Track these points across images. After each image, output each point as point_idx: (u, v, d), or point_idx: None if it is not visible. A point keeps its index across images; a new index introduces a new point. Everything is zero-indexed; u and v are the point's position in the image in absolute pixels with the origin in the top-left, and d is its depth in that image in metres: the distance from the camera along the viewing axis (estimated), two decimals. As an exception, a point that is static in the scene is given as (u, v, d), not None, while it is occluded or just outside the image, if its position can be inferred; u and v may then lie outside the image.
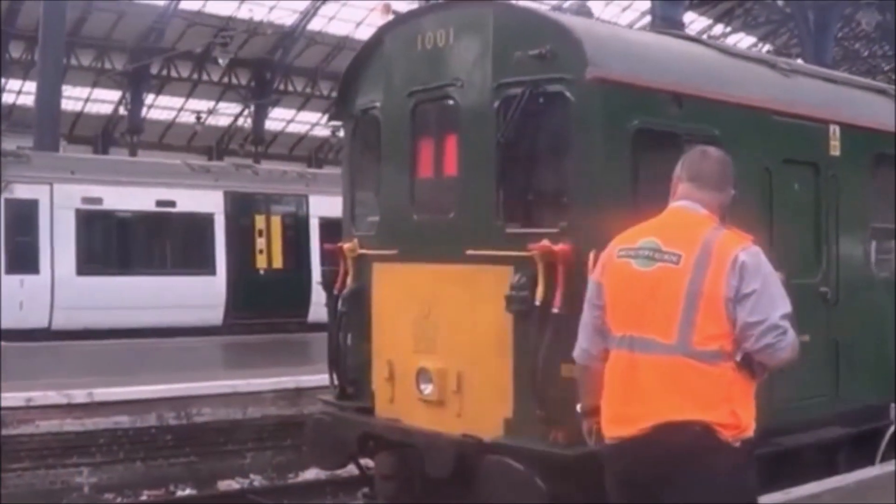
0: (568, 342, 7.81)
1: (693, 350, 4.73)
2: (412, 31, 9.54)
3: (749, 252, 4.85)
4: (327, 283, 10.31)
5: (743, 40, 53.88)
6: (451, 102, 9.12)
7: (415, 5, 21.25)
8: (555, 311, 7.90)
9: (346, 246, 10.03)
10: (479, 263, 8.60)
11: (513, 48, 8.52)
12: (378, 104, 9.90)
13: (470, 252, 8.64)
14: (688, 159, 5.30)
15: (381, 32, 10.08)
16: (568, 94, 8.17)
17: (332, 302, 10.20)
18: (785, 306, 4.81)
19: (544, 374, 7.92)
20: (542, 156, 8.86)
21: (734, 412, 4.74)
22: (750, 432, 4.81)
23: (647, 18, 45.12)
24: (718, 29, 55.31)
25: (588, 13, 9.42)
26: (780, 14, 50.88)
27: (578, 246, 7.91)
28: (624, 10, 53.28)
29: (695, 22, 51.57)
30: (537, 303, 7.99)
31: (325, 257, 25.32)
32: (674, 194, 5.28)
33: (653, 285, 4.90)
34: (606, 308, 5.14)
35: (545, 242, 7.98)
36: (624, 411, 4.89)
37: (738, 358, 4.78)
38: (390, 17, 9.88)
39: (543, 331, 7.93)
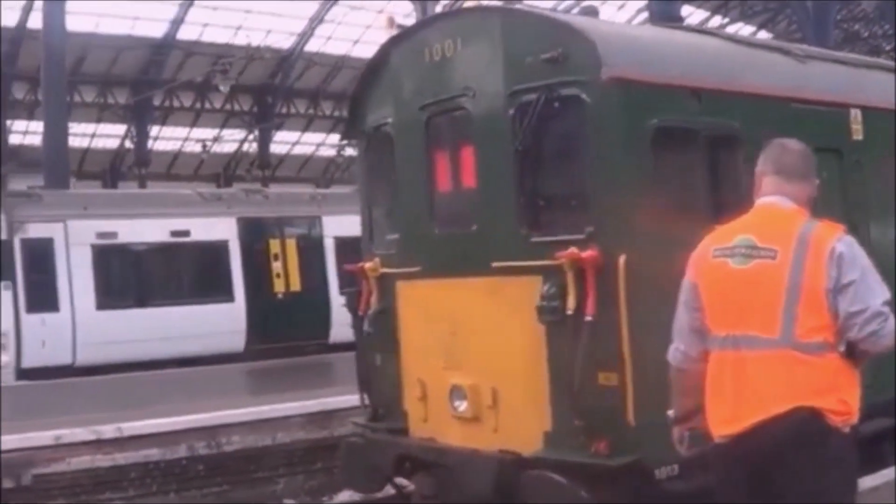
0: (603, 349, 7.78)
1: (798, 342, 4.74)
2: (418, 44, 9.43)
3: (844, 242, 4.85)
4: (352, 305, 10.19)
5: (741, 30, 53.67)
6: (464, 113, 8.99)
7: (412, 19, 21.17)
8: (588, 318, 7.78)
9: (368, 265, 9.89)
10: (506, 275, 8.47)
11: (523, 54, 8.39)
12: (390, 120, 9.78)
13: (496, 264, 8.50)
14: (770, 154, 5.27)
15: (387, 48, 9.96)
16: (584, 96, 8.04)
17: (358, 323, 10.07)
18: (884, 293, 4.82)
19: (582, 384, 7.79)
20: (562, 161, 8.70)
21: (842, 399, 4.76)
22: (856, 418, 4.83)
23: (643, 16, 45.06)
24: (716, 20, 55.15)
25: (595, 13, 9.30)
26: (777, 2, 50.67)
27: (606, 250, 7.80)
28: (619, 9, 53.12)
29: (692, 15, 51.39)
30: (569, 311, 7.87)
31: (343, 277, 25.30)
32: (758, 190, 5.23)
33: (752, 282, 4.90)
34: (705, 309, 5.09)
35: (573, 250, 7.86)
36: (735, 410, 4.86)
37: (842, 348, 4.77)
38: (395, 30, 9.73)
39: (578, 339, 7.79)
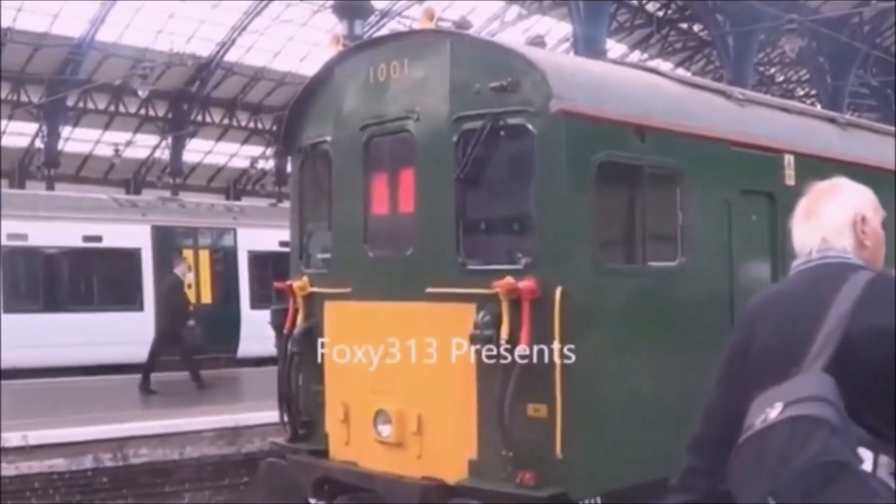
0: (534, 381, 7.73)
1: None
2: (364, 62, 9.31)
3: None
4: (276, 323, 10.01)
5: (660, 67, 54.21)
6: (406, 136, 8.89)
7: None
8: (521, 349, 7.71)
9: (296, 284, 9.73)
10: (439, 301, 8.38)
11: (471, 80, 8.34)
12: (328, 138, 9.65)
13: (430, 290, 8.41)
14: None
15: (331, 65, 9.82)
16: (530, 126, 8.01)
17: (282, 342, 9.88)
18: None
19: (511, 415, 7.73)
20: (503, 190, 8.66)
21: None
22: None
23: (565, 45, 45.43)
24: (635, 56, 55.75)
25: (542, 44, 9.28)
26: (697, 40, 51.46)
27: (543, 282, 7.75)
28: (544, 35, 53.36)
29: (612, 49, 51.87)
30: (502, 341, 7.79)
31: (255, 293, 25.03)
32: None
33: None
34: None
35: (509, 279, 7.80)
36: None
37: None
38: (340, 48, 9.60)
39: (510, 370, 7.73)
